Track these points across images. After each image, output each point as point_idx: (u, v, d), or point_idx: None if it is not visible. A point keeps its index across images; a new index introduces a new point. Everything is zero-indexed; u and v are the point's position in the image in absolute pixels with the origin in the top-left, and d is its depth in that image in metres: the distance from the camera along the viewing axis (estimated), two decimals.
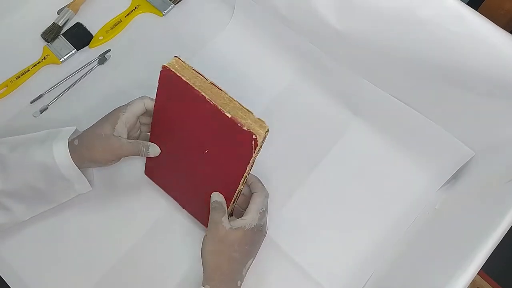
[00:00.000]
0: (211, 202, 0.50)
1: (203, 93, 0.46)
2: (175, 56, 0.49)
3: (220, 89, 0.47)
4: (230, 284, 0.47)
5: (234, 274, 0.47)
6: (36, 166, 0.49)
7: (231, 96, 0.46)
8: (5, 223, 0.51)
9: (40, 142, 0.50)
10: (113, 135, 0.49)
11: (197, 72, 0.48)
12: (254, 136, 0.44)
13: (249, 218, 0.49)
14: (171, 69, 0.48)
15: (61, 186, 0.51)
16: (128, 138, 0.51)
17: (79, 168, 0.50)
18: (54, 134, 0.52)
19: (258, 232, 0.49)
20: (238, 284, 0.48)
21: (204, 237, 0.48)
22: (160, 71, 0.49)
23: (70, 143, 0.49)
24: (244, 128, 0.44)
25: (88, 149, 0.49)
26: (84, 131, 0.51)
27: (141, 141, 0.51)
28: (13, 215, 0.51)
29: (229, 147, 0.47)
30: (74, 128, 0.53)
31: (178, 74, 0.47)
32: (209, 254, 0.47)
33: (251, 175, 0.52)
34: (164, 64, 0.48)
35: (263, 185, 0.53)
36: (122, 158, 0.51)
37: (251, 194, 0.52)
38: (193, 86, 0.47)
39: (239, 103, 0.46)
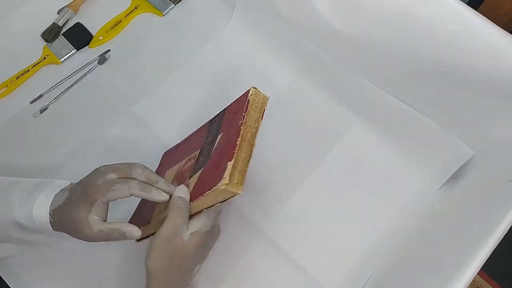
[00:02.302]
0: (174, 197, 0.44)
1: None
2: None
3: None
4: None
5: (182, 281, 0.44)
6: (16, 224, 0.45)
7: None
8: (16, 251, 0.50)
9: (25, 195, 0.45)
10: (88, 219, 0.42)
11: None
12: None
13: (205, 219, 0.44)
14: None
15: (45, 238, 0.48)
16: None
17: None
18: (48, 183, 0.47)
19: (212, 234, 0.45)
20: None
21: (152, 242, 0.42)
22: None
23: (53, 212, 0.44)
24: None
25: (64, 228, 0.44)
26: (62, 203, 0.44)
27: (116, 227, 0.43)
28: (5, 252, 0.50)
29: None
30: (69, 182, 0.47)
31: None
32: (156, 262, 0.42)
33: None
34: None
35: None
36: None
37: None
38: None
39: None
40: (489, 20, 0.43)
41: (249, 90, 0.45)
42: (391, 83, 0.56)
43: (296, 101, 0.63)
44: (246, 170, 0.42)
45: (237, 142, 0.41)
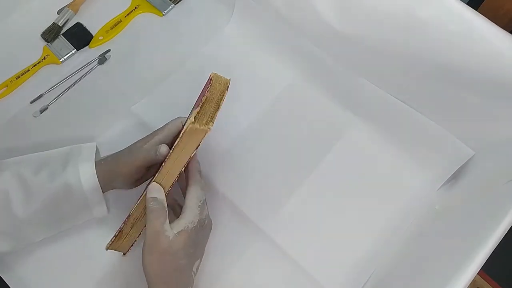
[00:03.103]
0: (147, 199, 0.44)
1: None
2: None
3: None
4: None
5: (182, 281, 0.44)
6: (60, 190, 0.47)
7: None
8: (15, 247, 0.50)
9: (63, 162, 0.49)
10: (141, 146, 0.48)
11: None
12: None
13: (190, 215, 0.44)
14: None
15: (80, 209, 0.50)
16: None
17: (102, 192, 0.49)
18: (77, 152, 0.51)
19: (202, 229, 0.46)
20: None
21: (143, 247, 0.43)
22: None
23: (97, 164, 0.48)
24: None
25: (114, 161, 0.49)
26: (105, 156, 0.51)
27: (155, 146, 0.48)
28: (24, 241, 0.50)
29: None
30: (95, 144, 0.52)
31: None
32: (151, 267, 0.42)
33: (195, 164, 0.49)
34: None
35: (200, 175, 0.48)
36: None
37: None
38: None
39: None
40: (489, 20, 0.43)
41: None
42: (391, 83, 0.56)
43: (296, 101, 0.63)
44: (215, 115, 0.45)
45: (203, 98, 0.45)
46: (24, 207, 0.47)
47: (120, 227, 0.48)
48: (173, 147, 0.45)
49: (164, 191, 0.46)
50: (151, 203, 0.44)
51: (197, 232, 0.45)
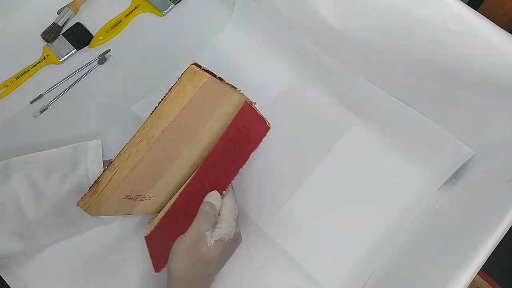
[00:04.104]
0: (202, 204, 0.45)
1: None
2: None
3: None
4: None
5: (205, 286, 0.45)
6: (71, 192, 0.48)
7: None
8: (24, 249, 0.50)
9: (72, 163, 0.49)
10: None
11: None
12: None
13: (227, 227, 0.44)
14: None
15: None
16: None
17: None
18: (83, 151, 0.51)
19: (234, 242, 0.46)
20: None
21: (177, 244, 0.43)
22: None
23: (104, 164, 0.49)
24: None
25: None
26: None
27: None
28: (34, 242, 0.51)
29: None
30: (99, 142, 0.53)
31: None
32: (179, 270, 0.43)
33: (231, 177, 0.49)
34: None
35: (232, 185, 0.49)
36: None
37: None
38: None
39: None
40: (489, 20, 0.43)
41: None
42: (391, 83, 0.56)
43: (296, 101, 0.63)
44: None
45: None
46: (35, 209, 0.47)
47: (97, 178, 0.44)
48: (172, 87, 0.44)
49: (162, 127, 0.43)
50: (206, 207, 0.44)
51: (231, 245, 0.45)
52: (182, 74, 0.43)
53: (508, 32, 0.43)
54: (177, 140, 0.45)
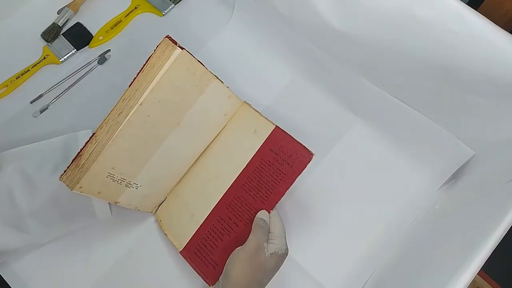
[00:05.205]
0: (256, 219, 0.49)
1: None
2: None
3: None
4: None
5: None
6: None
7: None
8: (22, 246, 0.51)
9: (63, 153, 0.50)
10: None
11: None
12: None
13: (279, 242, 0.47)
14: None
15: (83, 205, 0.50)
16: None
17: None
18: (74, 141, 0.52)
19: (285, 256, 0.48)
20: None
21: (238, 254, 0.46)
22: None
23: None
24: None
25: None
26: None
27: None
28: (31, 238, 0.51)
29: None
30: (90, 131, 0.53)
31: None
32: (238, 278, 0.45)
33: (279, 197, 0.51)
34: None
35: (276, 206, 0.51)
36: None
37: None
38: None
39: None
40: (489, 20, 0.43)
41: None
42: (391, 83, 0.56)
43: (296, 101, 0.63)
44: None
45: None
46: (28, 200, 0.48)
47: (79, 150, 0.44)
48: (147, 60, 0.46)
49: (139, 99, 0.44)
50: (261, 222, 0.48)
51: (282, 259, 0.47)
52: (157, 46, 0.44)
53: (508, 32, 0.43)
54: (159, 119, 0.46)
